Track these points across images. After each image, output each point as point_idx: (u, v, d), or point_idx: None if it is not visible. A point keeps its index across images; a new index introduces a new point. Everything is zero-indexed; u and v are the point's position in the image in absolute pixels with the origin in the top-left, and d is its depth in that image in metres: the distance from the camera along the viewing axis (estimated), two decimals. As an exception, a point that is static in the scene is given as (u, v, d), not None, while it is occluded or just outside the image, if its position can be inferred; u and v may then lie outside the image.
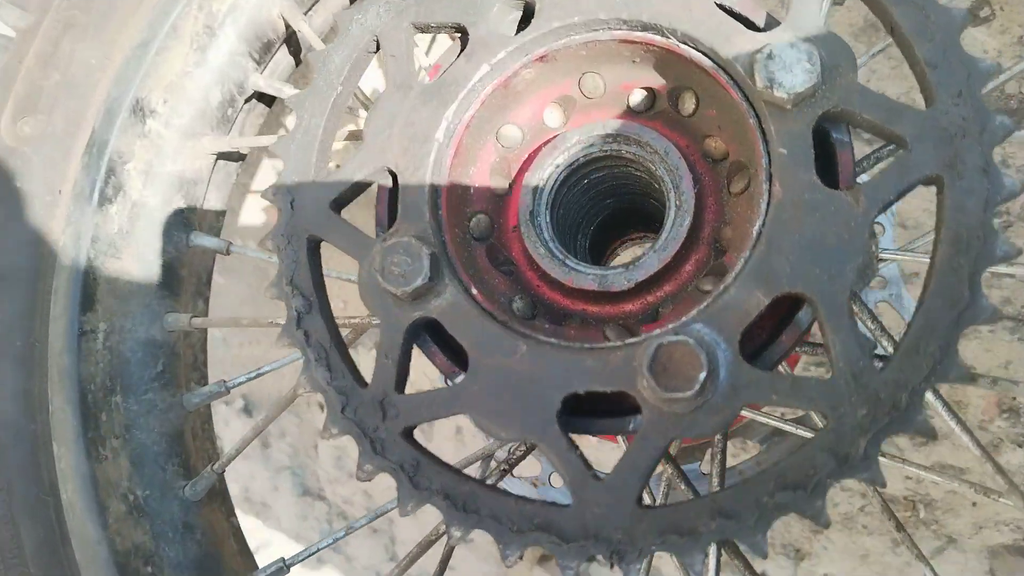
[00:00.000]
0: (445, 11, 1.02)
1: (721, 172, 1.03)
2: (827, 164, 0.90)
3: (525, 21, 1.02)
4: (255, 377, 1.45)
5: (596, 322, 1.03)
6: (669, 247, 0.99)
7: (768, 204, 0.88)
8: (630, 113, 1.07)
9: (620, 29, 0.98)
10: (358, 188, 1.03)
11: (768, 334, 0.92)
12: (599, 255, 1.39)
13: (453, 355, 0.98)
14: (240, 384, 1.45)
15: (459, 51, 1.04)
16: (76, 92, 1.42)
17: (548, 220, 1.07)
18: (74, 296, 1.40)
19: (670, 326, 0.89)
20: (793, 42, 0.86)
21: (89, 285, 1.41)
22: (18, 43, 1.44)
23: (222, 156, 1.55)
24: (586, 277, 1.01)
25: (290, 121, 1.53)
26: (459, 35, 1.04)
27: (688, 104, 1.03)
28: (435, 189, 1.00)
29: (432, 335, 0.99)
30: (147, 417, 1.43)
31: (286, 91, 1.50)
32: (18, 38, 1.44)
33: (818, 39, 0.89)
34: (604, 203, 1.24)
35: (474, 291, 0.97)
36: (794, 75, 0.86)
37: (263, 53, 1.54)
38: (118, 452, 1.38)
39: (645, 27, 0.96)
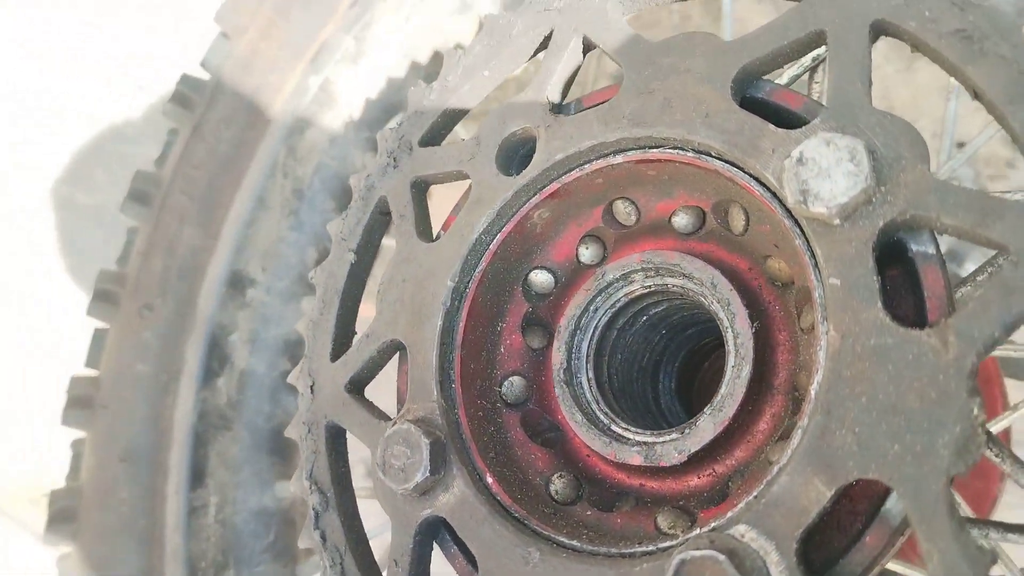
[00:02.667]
0: (444, 160, 0.92)
1: (791, 301, 0.80)
2: (913, 290, 0.66)
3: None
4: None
5: (652, 503, 0.83)
6: (726, 406, 0.77)
7: (825, 353, 0.66)
8: (678, 237, 0.88)
9: (632, 150, 0.81)
10: (375, 364, 0.93)
11: (849, 526, 0.67)
12: (701, 391, 1.17)
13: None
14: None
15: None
16: (185, 274, 1.49)
17: (591, 376, 0.90)
18: (185, 474, 1.42)
19: (712, 524, 0.68)
20: (828, 138, 0.65)
21: (199, 461, 1.43)
22: (136, 234, 1.55)
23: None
24: (630, 449, 0.82)
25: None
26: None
27: (737, 221, 0.83)
28: (445, 360, 0.87)
29: (452, 533, 0.84)
30: (259, 593, 1.39)
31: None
32: (135, 230, 1.55)
33: (867, 126, 0.66)
34: (684, 334, 1.04)
35: (489, 480, 0.82)
36: (833, 182, 0.64)
37: (352, 207, 1.53)
38: (225, 636, 1.35)
39: (656, 143, 0.79)
